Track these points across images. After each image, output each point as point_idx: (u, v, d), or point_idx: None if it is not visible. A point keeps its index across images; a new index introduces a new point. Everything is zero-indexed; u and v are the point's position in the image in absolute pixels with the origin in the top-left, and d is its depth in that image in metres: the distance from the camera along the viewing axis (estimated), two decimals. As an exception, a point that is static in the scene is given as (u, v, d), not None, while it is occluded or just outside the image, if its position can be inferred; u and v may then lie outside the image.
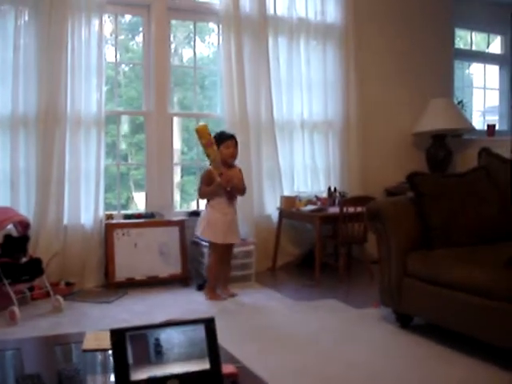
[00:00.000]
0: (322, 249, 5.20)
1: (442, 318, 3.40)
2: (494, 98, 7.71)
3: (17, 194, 4.71)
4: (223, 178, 4.40)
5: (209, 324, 1.80)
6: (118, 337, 1.71)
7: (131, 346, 1.71)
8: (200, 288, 4.80)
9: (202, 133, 4.35)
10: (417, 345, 3.43)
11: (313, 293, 4.76)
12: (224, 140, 4.51)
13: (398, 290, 3.66)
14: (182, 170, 7.61)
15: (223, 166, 4.45)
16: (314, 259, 5.11)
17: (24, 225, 4.26)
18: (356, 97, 6.01)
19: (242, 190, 4.61)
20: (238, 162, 5.30)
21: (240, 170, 4.66)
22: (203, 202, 4.90)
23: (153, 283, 4.90)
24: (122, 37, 6.42)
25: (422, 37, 6.53)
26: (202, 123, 4.87)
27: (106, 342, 2.07)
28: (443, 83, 6.73)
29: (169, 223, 5.10)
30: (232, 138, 4.57)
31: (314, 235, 5.17)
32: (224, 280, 4.66)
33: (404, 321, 3.74)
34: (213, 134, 4.50)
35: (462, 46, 7.51)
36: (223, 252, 4.58)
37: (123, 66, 7.17)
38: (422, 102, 6.32)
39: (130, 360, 1.69)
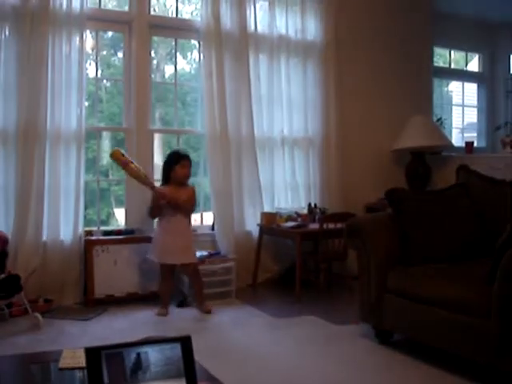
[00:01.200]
0: (302, 265, 5.20)
1: (421, 334, 3.41)
2: (472, 116, 7.81)
3: (-5, 209, 4.68)
4: (156, 191, 4.49)
5: (185, 342, 1.79)
6: (94, 355, 1.69)
7: (107, 364, 1.69)
8: (180, 305, 4.78)
9: (115, 157, 4.45)
10: (396, 361, 3.44)
11: (293, 309, 4.75)
12: (180, 159, 4.57)
13: (377, 306, 3.67)
14: (163, 186, 7.58)
15: (177, 185, 4.58)
16: (295, 275, 5.11)
17: (2, 241, 4.22)
18: (336, 114, 6.06)
19: (186, 208, 4.60)
20: (220, 178, 5.35)
21: (193, 189, 4.72)
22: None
23: (132, 300, 4.87)
24: (104, 52, 6.42)
25: (402, 55, 6.61)
26: (114, 148, 4.82)
27: (83, 360, 2.03)
28: (422, 100, 6.80)
29: (149, 240, 5.07)
30: (187, 157, 4.63)
31: (295, 251, 5.18)
32: (198, 298, 4.70)
33: (384, 337, 3.75)
34: (168, 152, 4.87)
35: (441, 64, 7.61)
36: (167, 270, 4.66)
37: (105, 81, 7.16)
38: (401, 118, 6.37)
39: (106, 379, 1.67)
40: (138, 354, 1.73)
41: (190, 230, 4.71)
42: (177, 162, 4.55)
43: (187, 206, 4.60)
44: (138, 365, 1.72)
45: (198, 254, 5.06)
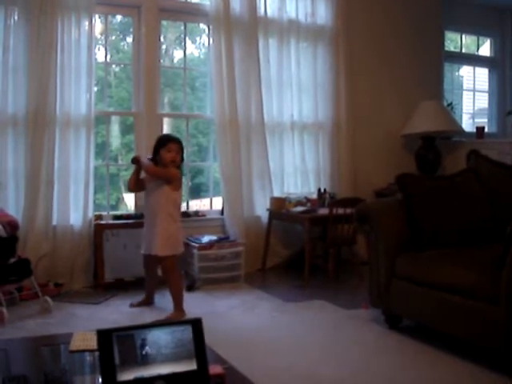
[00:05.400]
0: (311, 250, 5.20)
1: (430, 319, 3.41)
2: (483, 101, 7.75)
3: (5, 194, 4.70)
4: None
5: (196, 325, 1.80)
6: (105, 337, 1.70)
7: (118, 346, 1.70)
8: (189, 289, 4.80)
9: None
10: (405, 346, 3.44)
11: (302, 294, 4.76)
12: (167, 142, 4.11)
13: (386, 292, 3.67)
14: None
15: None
16: (304, 260, 5.11)
17: (13, 225, 4.23)
18: (346, 98, 6.03)
19: (160, 175, 4.10)
20: (229, 163, 5.34)
21: (177, 171, 4.15)
22: (193, 203, 4.82)
23: (142, 284, 4.87)
24: (113, 37, 6.41)
25: (413, 39, 6.56)
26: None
27: (93, 342, 2.06)
28: (433, 85, 6.75)
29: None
30: (175, 141, 4.16)
31: (304, 236, 5.18)
32: (172, 300, 4.16)
33: (393, 322, 3.75)
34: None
35: (452, 49, 7.55)
36: (145, 260, 4.31)
37: (114, 66, 7.15)
38: (411, 103, 6.34)
39: (117, 361, 1.69)
40: (149, 337, 1.74)
41: (168, 220, 4.07)
42: (163, 145, 4.10)
43: (164, 173, 4.08)
44: (149, 347, 1.73)
45: (207, 238, 5.08)
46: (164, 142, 4.14)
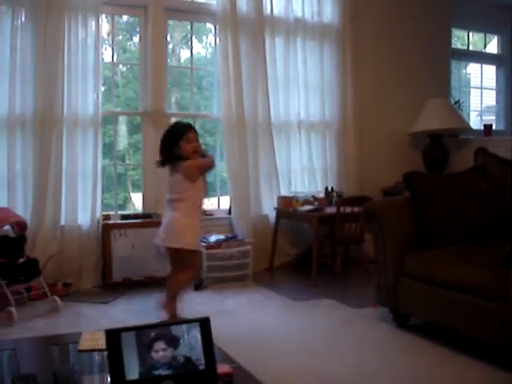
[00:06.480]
0: (319, 249, 5.20)
1: (438, 317, 3.40)
2: (490, 98, 7.72)
3: (14, 194, 4.71)
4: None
5: (204, 324, 1.80)
6: (114, 337, 1.71)
7: (126, 346, 1.71)
8: (197, 288, 4.81)
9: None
10: (413, 344, 3.43)
11: (310, 293, 4.76)
12: (184, 132, 3.70)
13: (394, 290, 3.66)
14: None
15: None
16: (312, 259, 5.11)
17: (21, 225, 4.25)
18: (353, 97, 6.02)
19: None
20: (236, 162, 5.34)
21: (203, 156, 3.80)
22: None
23: (150, 283, 4.89)
24: (120, 37, 6.43)
25: (419, 37, 6.53)
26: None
27: (102, 342, 2.07)
28: (440, 83, 6.73)
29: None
30: (192, 128, 3.77)
31: (312, 235, 5.17)
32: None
33: (401, 320, 3.75)
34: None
35: (459, 46, 7.52)
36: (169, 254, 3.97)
37: (121, 66, 7.17)
38: (418, 101, 6.31)
39: (125, 360, 1.69)
40: (157, 336, 1.74)
41: (185, 214, 3.76)
42: (181, 136, 3.68)
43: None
44: (157, 346, 1.73)
45: (214, 237, 5.09)
46: (181, 132, 3.70)
